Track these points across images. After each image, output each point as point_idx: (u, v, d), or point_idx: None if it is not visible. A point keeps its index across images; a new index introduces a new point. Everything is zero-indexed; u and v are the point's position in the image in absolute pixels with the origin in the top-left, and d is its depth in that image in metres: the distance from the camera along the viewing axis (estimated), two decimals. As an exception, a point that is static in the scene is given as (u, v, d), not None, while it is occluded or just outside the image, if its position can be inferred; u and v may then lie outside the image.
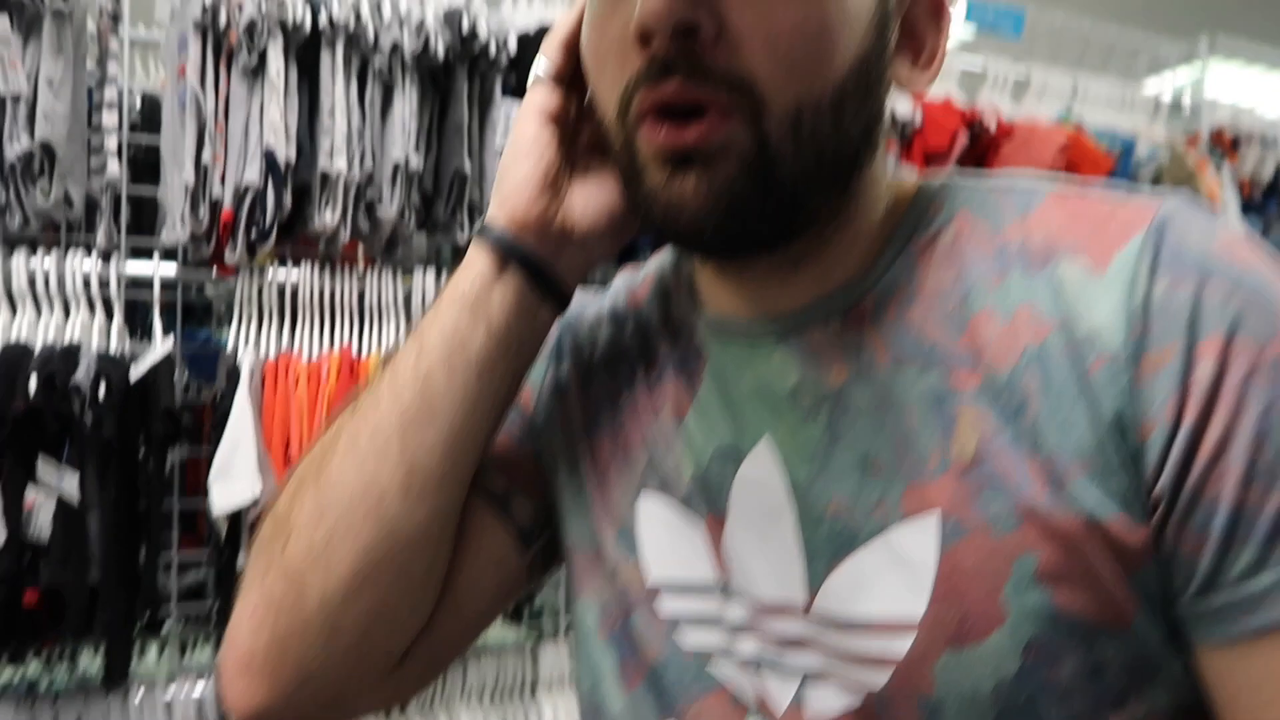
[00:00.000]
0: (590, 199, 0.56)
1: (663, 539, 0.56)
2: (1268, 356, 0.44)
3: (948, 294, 0.50)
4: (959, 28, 2.79)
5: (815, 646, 0.50)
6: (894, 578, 0.48)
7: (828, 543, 0.50)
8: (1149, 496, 0.44)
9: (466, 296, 0.56)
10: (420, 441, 0.55)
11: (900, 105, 2.40)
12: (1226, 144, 2.98)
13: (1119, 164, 2.64)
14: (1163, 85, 3.17)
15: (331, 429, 0.59)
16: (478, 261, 0.56)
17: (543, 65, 0.57)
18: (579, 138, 0.58)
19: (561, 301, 0.58)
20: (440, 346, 0.56)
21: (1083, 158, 2.55)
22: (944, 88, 2.62)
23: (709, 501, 0.55)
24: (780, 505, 0.52)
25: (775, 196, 0.48)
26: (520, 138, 0.57)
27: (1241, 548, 0.43)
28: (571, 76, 0.56)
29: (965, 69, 2.68)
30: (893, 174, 0.57)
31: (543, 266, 0.56)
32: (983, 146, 2.47)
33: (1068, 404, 0.46)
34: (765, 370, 0.54)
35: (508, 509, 0.62)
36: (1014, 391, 0.47)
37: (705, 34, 0.45)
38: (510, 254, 0.55)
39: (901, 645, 0.47)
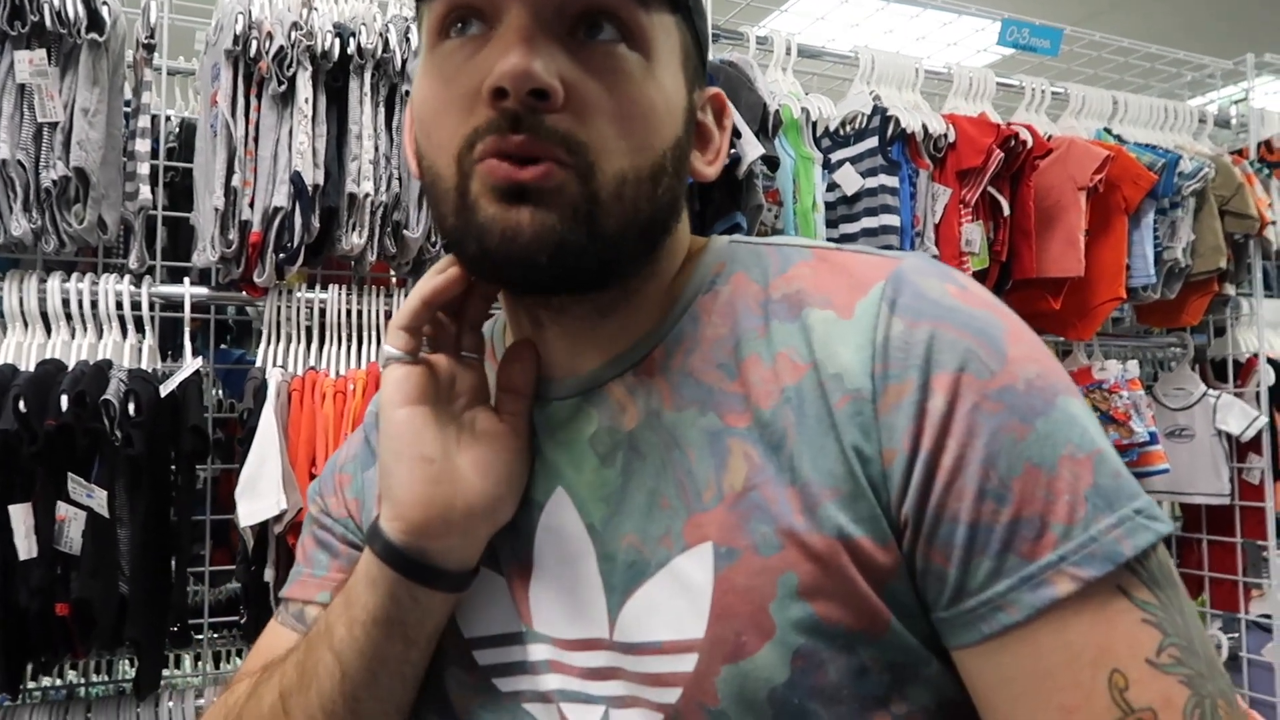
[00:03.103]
0: (481, 461, 0.57)
1: (471, 599, 0.60)
2: (991, 389, 0.49)
3: (723, 343, 0.56)
4: (991, 52, 2.76)
5: (620, 675, 0.55)
6: (678, 603, 0.52)
7: (622, 576, 0.55)
8: (896, 516, 0.50)
9: (380, 620, 0.57)
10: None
11: (933, 121, 2.38)
12: (1278, 155, 2.89)
13: (1163, 179, 2.57)
14: (1207, 104, 3.09)
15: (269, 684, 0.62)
16: (381, 581, 0.57)
17: (390, 348, 0.58)
18: (455, 398, 0.59)
19: (466, 580, 0.59)
20: (363, 670, 0.58)
21: (1124, 173, 2.49)
22: (978, 106, 2.58)
23: (514, 554, 0.60)
24: (580, 548, 0.57)
25: (599, 243, 0.53)
26: (392, 431, 0.57)
27: (980, 559, 0.48)
28: (421, 346, 0.59)
29: (1000, 81, 2.63)
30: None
31: (445, 567, 0.57)
32: (1019, 163, 2.42)
33: (819, 437, 0.51)
34: (568, 423, 0.59)
35: None
36: (775, 427, 0.52)
37: (554, 101, 0.50)
38: (409, 569, 0.56)
39: (687, 663, 0.52)
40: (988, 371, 0.49)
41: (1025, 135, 2.38)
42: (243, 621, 1.91)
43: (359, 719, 0.59)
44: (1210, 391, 2.78)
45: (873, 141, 2.31)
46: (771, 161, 2.04)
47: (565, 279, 0.54)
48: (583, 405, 0.59)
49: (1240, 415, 2.71)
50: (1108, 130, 2.71)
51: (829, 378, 0.52)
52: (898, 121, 2.29)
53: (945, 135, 2.35)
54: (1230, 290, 2.80)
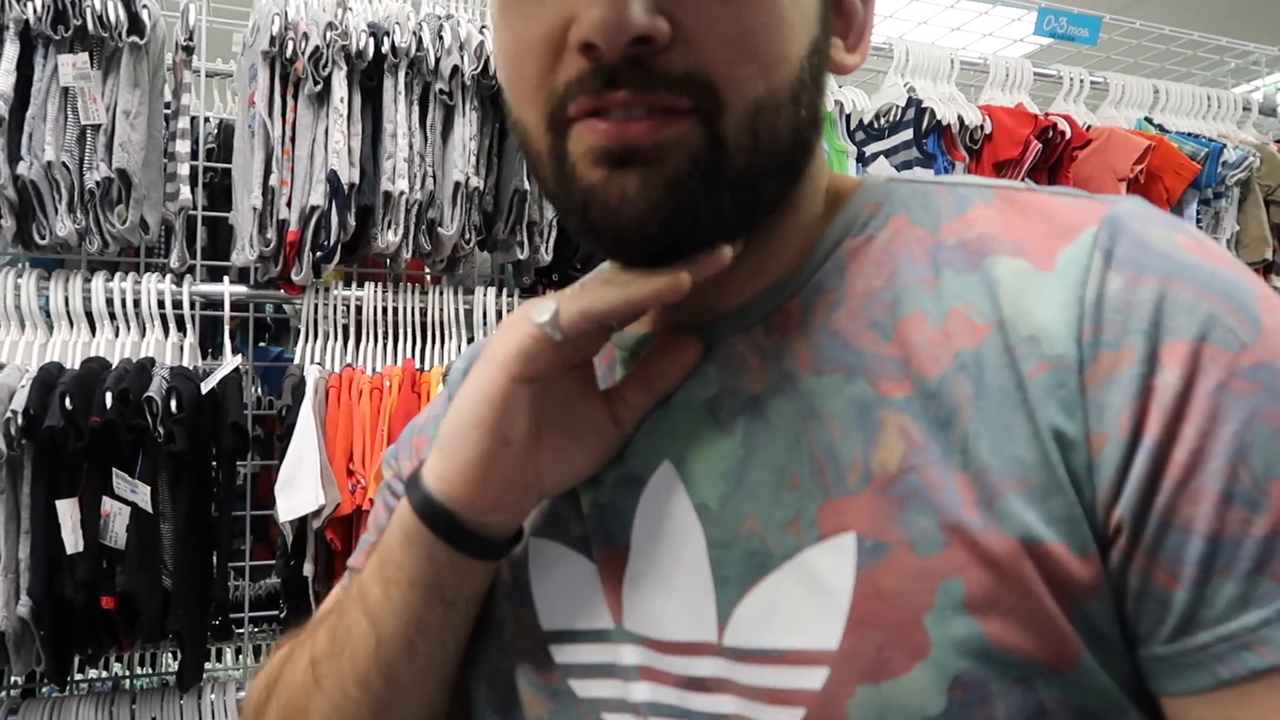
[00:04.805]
0: (565, 454, 0.50)
1: (553, 586, 0.52)
2: (1243, 364, 0.39)
3: (877, 298, 0.46)
4: (1029, 42, 2.73)
5: (728, 688, 0.45)
6: (808, 604, 0.43)
7: (739, 566, 0.45)
8: (1105, 520, 0.39)
9: (417, 581, 0.50)
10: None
11: (969, 113, 2.35)
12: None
13: (1206, 169, 2.53)
14: (1252, 91, 3.03)
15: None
16: (418, 539, 0.50)
17: (551, 314, 0.46)
18: (562, 376, 0.50)
19: (503, 549, 0.52)
20: (399, 636, 0.52)
21: (1165, 163, 2.45)
22: (1015, 97, 2.55)
23: (608, 537, 0.50)
24: (686, 530, 0.47)
25: (727, 192, 0.44)
26: (486, 395, 0.47)
27: (1222, 581, 0.37)
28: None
29: (1038, 71, 2.60)
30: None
31: (483, 535, 0.50)
32: (1058, 154, 2.39)
33: (1003, 413, 0.41)
34: (683, 384, 0.50)
35: None
36: (943, 399, 0.42)
37: (660, 41, 0.41)
38: (444, 528, 0.49)
39: (814, 679, 0.42)
40: (1237, 343, 0.39)
41: (1064, 126, 2.35)
42: (282, 615, 1.94)
43: (395, 691, 0.52)
44: (1256, 385, 2.73)
45: (908, 134, 2.29)
46: (805, 155, 2.03)
47: (689, 243, 0.45)
48: (700, 363, 0.50)
49: (1287, 409, 2.65)
50: (1149, 120, 2.67)
51: (1020, 340, 0.42)
52: (933, 113, 2.27)
53: (981, 127, 2.33)
54: (1277, 282, 2.75)
